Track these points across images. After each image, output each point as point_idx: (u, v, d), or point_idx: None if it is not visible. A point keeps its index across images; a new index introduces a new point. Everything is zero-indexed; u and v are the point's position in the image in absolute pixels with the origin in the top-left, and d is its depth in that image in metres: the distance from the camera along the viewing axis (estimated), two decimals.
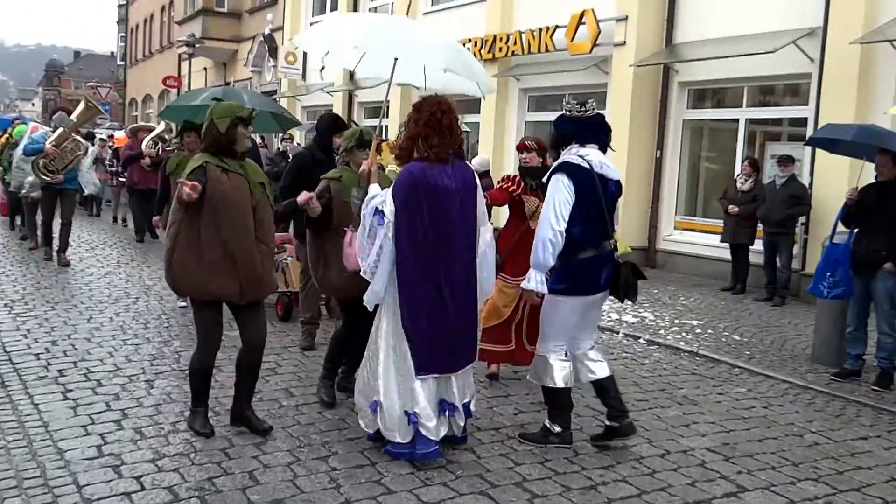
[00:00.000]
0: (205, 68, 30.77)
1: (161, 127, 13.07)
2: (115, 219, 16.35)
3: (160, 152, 12.48)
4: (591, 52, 13.28)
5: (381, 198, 4.33)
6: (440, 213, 4.30)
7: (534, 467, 4.47)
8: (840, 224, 6.75)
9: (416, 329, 4.31)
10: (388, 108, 5.80)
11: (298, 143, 17.93)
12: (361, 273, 4.37)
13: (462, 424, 4.56)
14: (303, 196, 5.05)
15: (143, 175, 12.45)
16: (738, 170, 11.36)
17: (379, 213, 4.29)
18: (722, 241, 10.95)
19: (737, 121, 12.23)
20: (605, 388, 4.76)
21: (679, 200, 13.03)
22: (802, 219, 10.41)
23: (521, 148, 5.89)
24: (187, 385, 4.86)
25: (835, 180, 9.73)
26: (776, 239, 10.14)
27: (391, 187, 4.35)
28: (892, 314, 6.50)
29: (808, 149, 10.46)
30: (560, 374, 4.70)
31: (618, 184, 4.70)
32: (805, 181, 10.47)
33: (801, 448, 5.08)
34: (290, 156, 10.73)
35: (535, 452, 4.68)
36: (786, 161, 10.17)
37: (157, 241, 12.92)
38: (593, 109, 4.70)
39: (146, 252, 12.30)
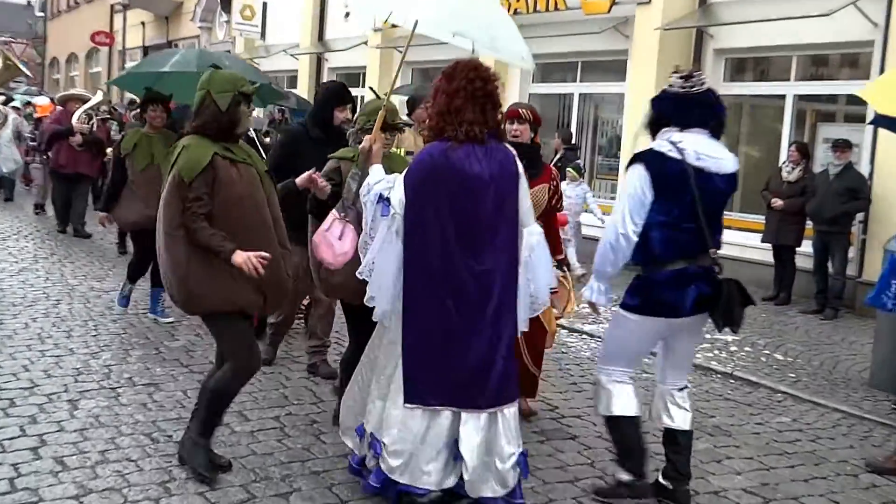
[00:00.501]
0: (142, 23, 30.74)
1: (97, 97, 13.02)
2: (38, 207, 15.41)
3: (94, 129, 12.41)
4: (608, 11, 13.35)
5: (387, 183, 4.17)
6: (466, 207, 4.07)
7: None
8: None
9: (417, 347, 4.13)
10: (397, 74, 5.61)
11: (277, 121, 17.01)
12: (358, 273, 4.26)
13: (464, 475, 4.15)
14: (304, 177, 4.91)
15: (72, 156, 12.39)
16: (783, 156, 11.45)
17: (384, 200, 4.13)
18: (763, 241, 11.04)
19: (783, 97, 12.31)
20: (676, 441, 4.58)
21: None
22: (860, 216, 10.50)
23: (511, 116, 5.55)
24: (119, 406, 4.85)
25: None
26: (828, 239, 10.23)
27: (404, 172, 4.21)
28: None
29: (869, 132, 10.55)
30: (617, 399, 4.53)
31: (729, 179, 4.40)
32: (864, 171, 10.56)
33: (856, 490, 5.14)
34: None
35: (537, 491, 4.70)
36: (842, 146, 10.25)
37: (85, 238, 12.88)
38: (702, 84, 4.40)
39: (69, 245, 12.25)
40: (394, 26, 5.28)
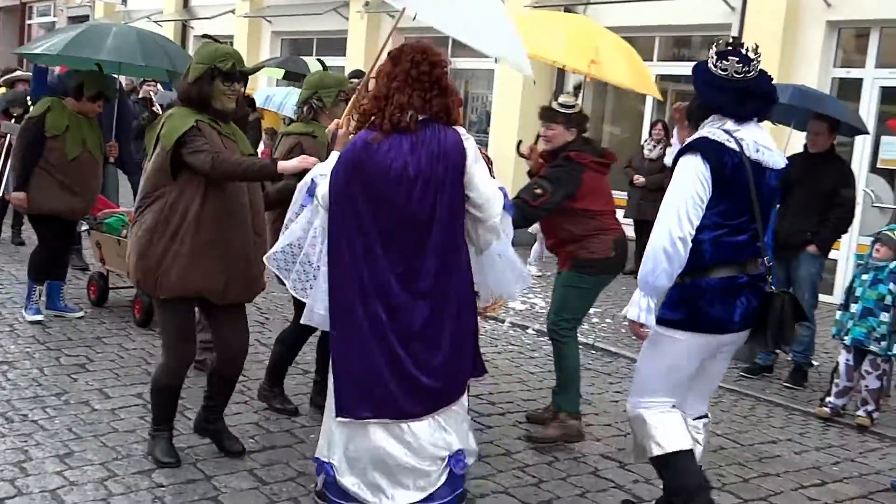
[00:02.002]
0: None
1: None
2: None
3: None
4: None
5: (325, 169, 3.95)
6: (389, 206, 3.79)
7: None
8: None
9: (339, 356, 3.92)
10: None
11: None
12: (265, 258, 4.14)
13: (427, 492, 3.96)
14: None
15: None
16: (645, 135, 11.84)
17: (311, 191, 3.96)
18: (626, 216, 11.38)
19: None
20: None
21: None
22: None
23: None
24: None
25: None
26: None
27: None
28: (813, 303, 6.99)
29: None
30: (669, 431, 3.93)
31: (780, 175, 3.94)
32: None
33: (706, 454, 5.38)
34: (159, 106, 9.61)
35: None
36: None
37: None
38: (758, 64, 3.85)
39: None
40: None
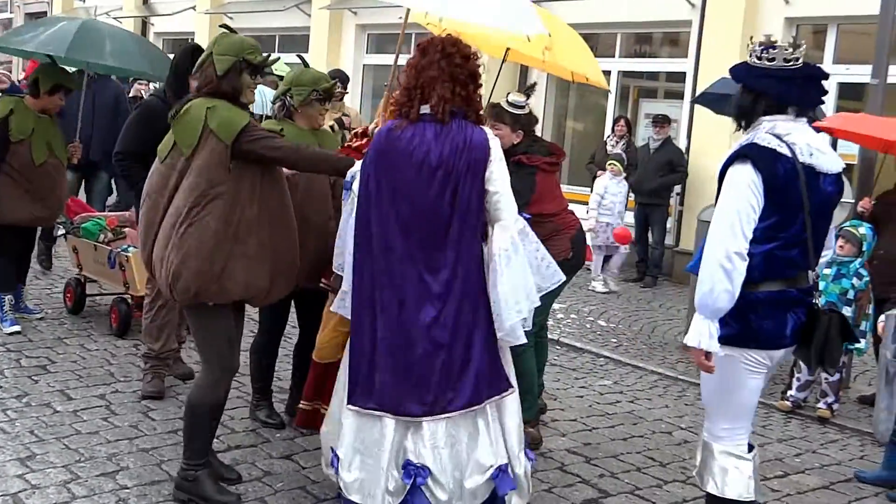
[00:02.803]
0: None
1: None
2: None
3: None
4: None
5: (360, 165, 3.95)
6: (408, 194, 3.73)
7: None
8: None
9: (359, 345, 3.82)
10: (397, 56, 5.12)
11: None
12: (335, 268, 4.11)
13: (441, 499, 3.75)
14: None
15: None
16: (608, 130, 11.91)
17: (348, 186, 3.97)
18: (589, 212, 11.48)
19: (608, 73, 12.76)
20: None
21: None
22: (678, 188, 11.10)
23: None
24: None
25: (714, 145, 10.40)
26: (649, 211, 10.77)
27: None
28: None
29: (686, 109, 11.13)
30: (735, 478, 3.66)
31: (836, 181, 3.64)
32: (682, 145, 11.15)
33: (670, 447, 5.49)
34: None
35: None
36: (661, 122, 10.78)
37: None
38: (802, 55, 3.60)
39: None
40: None
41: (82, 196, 9.07)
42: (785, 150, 3.48)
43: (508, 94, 5.16)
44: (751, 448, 3.77)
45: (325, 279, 4.57)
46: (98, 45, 6.78)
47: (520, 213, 3.94)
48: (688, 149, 11.13)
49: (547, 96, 13.38)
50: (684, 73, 11.67)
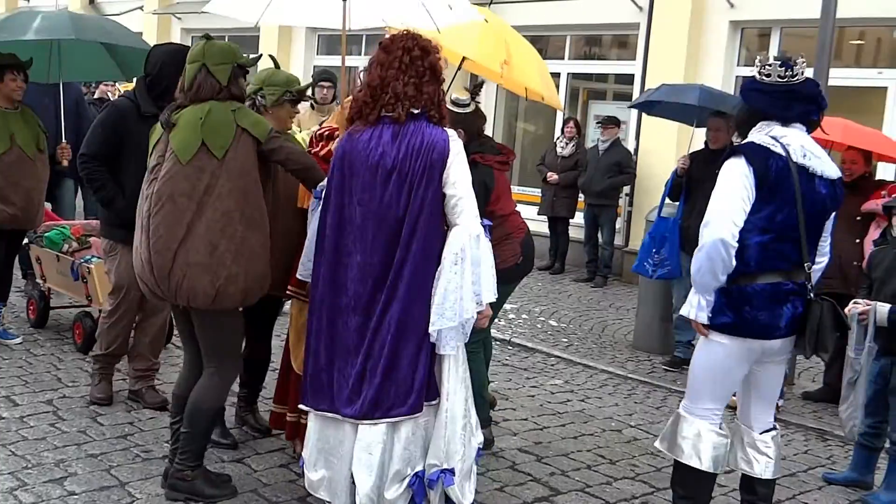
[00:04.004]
0: None
1: None
2: None
3: None
4: None
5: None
6: (356, 195, 3.74)
7: None
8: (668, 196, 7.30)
9: (308, 345, 3.88)
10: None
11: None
12: (298, 275, 4.16)
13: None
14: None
15: None
16: (558, 132, 12.00)
17: (317, 195, 4.00)
18: (540, 213, 11.55)
19: (558, 75, 12.88)
20: (753, 491, 4.14)
21: None
22: (627, 189, 11.22)
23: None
24: None
25: (662, 146, 10.57)
26: (598, 211, 10.87)
27: None
28: None
29: (635, 111, 11.25)
30: (709, 450, 3.98)
31: (831, 186, 3.88)
32: (631, 147, 11.28)
33: (620, 444, 5.56)
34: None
35: None
36: (607, 123, 10.89)
37: None
38: (803, 72, 3.88)
39: None
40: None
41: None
42: (779, 150, 3.76)
43: (452, 93, 5.10)
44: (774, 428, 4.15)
45: (292, 286, 4.53)
46: (25, 23, 6.33)
47: (481, 215, 3.90)
48: (636, 150, 11.27)
49: (497, 97, 13.45)
50: (633, 75, 11.80)
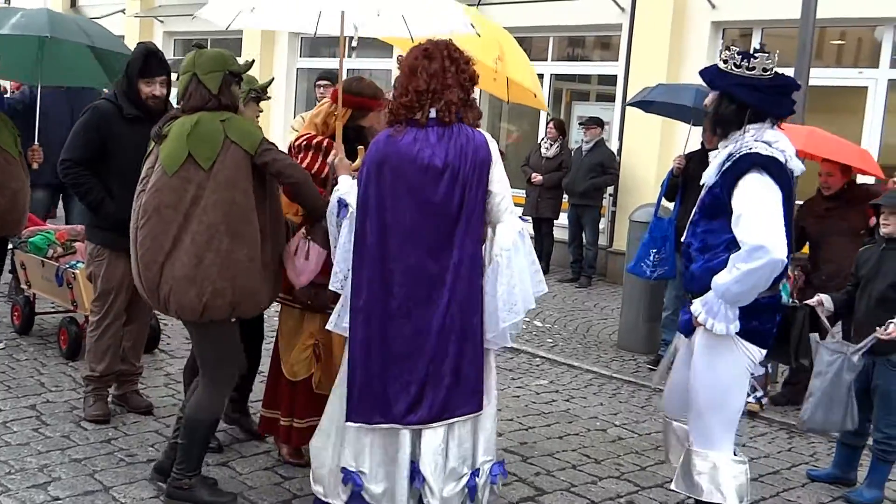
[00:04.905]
0: None
1: None
2: None
3: None
4: None
5: (347, 186, 3.84)
6: (408, 196, 3.69)
7: None
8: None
9: (352, 358, 3.78)
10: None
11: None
12: (331, 286, 3.90)
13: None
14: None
15: None
16: (542, 133, 12.03)
17: (343, 204, 3.81)
18: (524, 214, 11.58)
19: (541, 76, 12.90)
20: None
21: None
22: (610, 189, 11.26)
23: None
24: None
25: (645, 146, 10.60)
26: (582, 212, 10.90)
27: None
28: None
29: (618, 112, 11.31)
30: (734, 481, 3.74)
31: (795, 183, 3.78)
32: (614, 147, 11.31)
33: (605, 444, 5.57)
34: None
35: None
36: (589, 124, 10.92)
37: None
38: (774, 64, 3.70)
39: None
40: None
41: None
42: (780, 156, 3.61)
43: None
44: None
45: (283, 293, 4.49)
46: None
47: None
48: (619, 151, 11.31)
49: (481, 99, 13.46)
50: (615, 75, 11.84)
